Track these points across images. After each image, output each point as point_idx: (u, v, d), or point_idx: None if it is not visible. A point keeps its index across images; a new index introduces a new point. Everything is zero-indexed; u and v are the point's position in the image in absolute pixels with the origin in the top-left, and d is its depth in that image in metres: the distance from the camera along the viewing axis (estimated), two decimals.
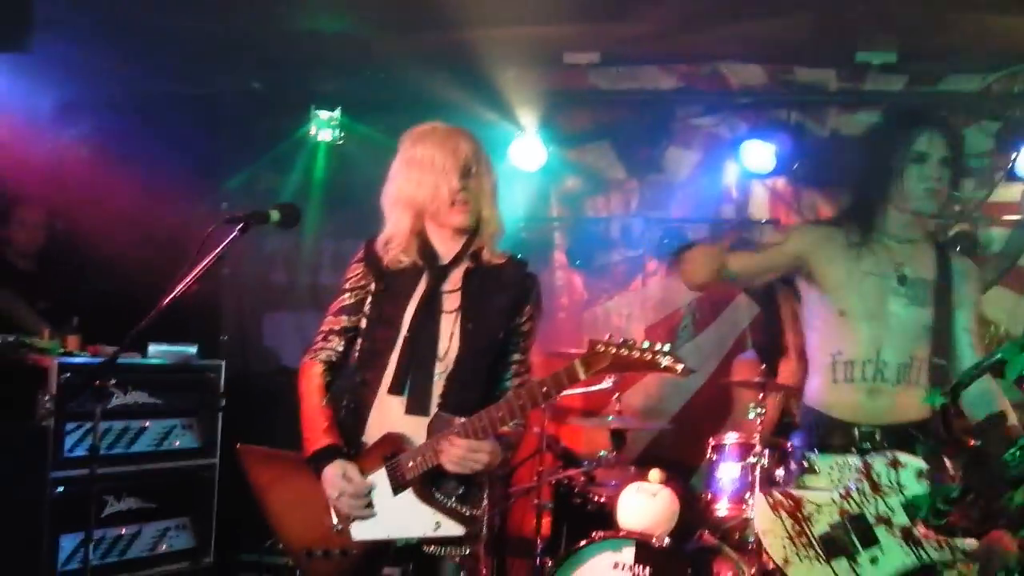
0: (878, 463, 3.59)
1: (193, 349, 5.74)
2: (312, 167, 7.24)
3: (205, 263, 3.42)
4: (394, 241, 3.37)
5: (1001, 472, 2.08)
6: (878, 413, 3.77)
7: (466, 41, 6.27)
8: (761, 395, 5.25)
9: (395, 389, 3.30)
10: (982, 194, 6.62)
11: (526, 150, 7.02)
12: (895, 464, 3.51)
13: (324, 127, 7.07)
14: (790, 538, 3.61)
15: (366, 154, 6.80)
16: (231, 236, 3.39)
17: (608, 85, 7.16)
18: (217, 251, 3.40)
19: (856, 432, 3.77)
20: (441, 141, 3.33)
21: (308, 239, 7.23)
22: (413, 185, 3.32)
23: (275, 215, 3.45)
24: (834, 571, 3.49)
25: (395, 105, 6.79)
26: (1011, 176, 6.36)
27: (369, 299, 3.43)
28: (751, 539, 5.05)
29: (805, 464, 3.81)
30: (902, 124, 4.00)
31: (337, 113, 7.06)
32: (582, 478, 5.97)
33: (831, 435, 3.83)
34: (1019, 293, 6.52)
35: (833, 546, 3.51)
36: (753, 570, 4.95)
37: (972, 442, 2.11)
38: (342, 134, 7.11)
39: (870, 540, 3.47)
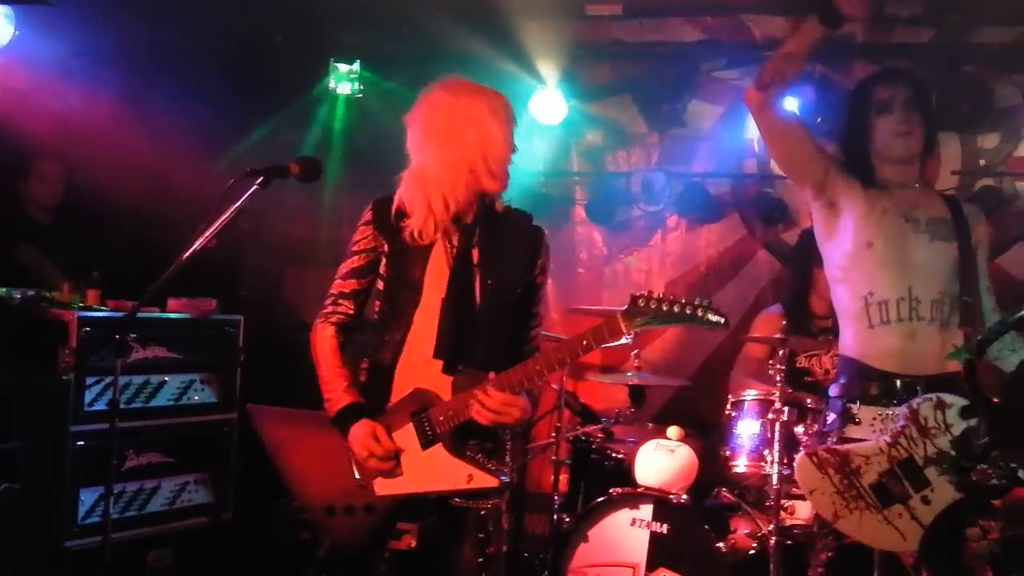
0: (924, 407, 3.54)
1: None
2: (332, 120, 7.22)
3: (225, 217, 3.42)
4: (417, 218, 3.30)
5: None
6: (919, 361, 3.71)
7: None
8: (782, 352, 5.21)
9: (440, 352, 3.27)
10: (1008, 148, 6.54)
11: (547, 103, 7.00)
12: (940, 406, 3.45)
13: (344, 80, 7.04)
14: (839, 493, 3.58)
15: (386, 107, 6.77)
16: (251, 190, 3.38)
17: (631, 37, 7.09)
18: (237, 205, 3.39)
19: (897, 383, 3.73)
20: (491, 103, 3.32)
21: (328, 193, 7.20)
22: (461, 146, 3.28)
23: (295, 168, 3.44)
24: (886, 519, 3.46)
25: (415, 58, 6.74)
26: None
27: (383, 260, 3.40)
28: (770, 496, 5.03)
29: (847, 415, 3.78)
30: (867, 81, 4.05)
31: (357, 66, 7.03)
32: (600, 435, 5.96)
33: (871, 385, 3.77)
34: None
35: (886, 494, 3.48)
36: (771, 527, 4.94)
37: (996, 400, 2.10)
38: (362, 87, 7.08)
39: (921, 483, 3.44)
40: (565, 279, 7.34)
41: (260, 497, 5.35)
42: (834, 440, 3.78)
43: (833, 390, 3.91)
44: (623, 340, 5.33)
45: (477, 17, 6.50)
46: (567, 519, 5.53)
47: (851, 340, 3.90)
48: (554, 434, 5.87)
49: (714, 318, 2.99)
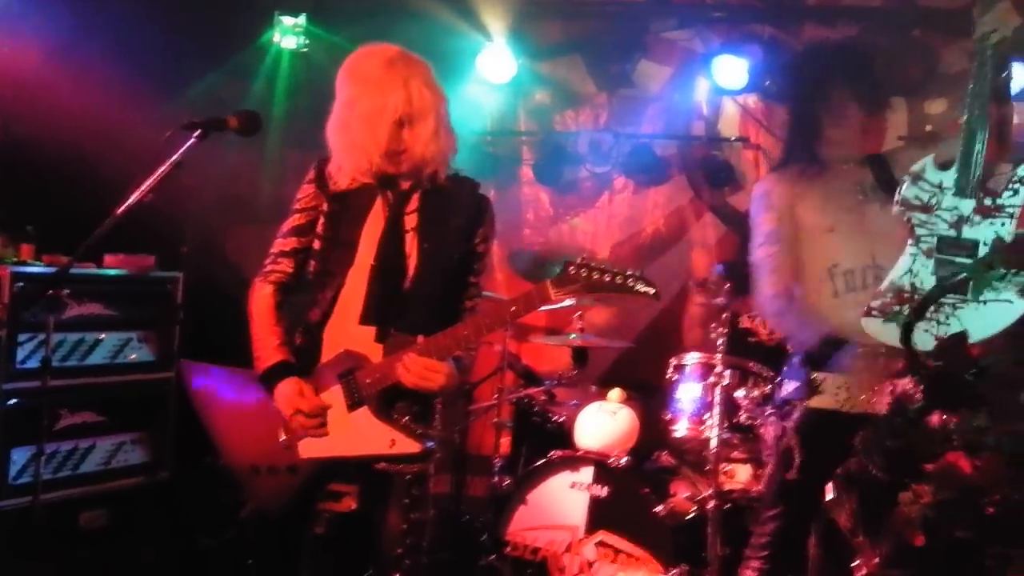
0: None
1: None
2: (276, 75, 7.10)
3: (161, 171, 3.32)
4: (346, 169, 3.30)
5: (960, 392, 2.05)
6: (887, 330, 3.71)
7: None
8: (725, 315, 5.21)
9: (367, 319, 3.25)
10: (954, 114, 6.55)
11: (495, 61, 6.92)
12: None
13: (288, 34, 6.92)
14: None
15: (332, 62, 6.63)
16: (188, 143, 3.30)
17: None
18: (173, 158, 3.29)
19: (857, 349, 3.71)
20: (374, 90, 3.21)
21: (272, 150, 7.09)
22: (348, 133, 3.25)
23: (233, 122, 3.36)
24: None
25: (362, 13, 6.64)
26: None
27: (321, 220, 3.37)
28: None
29: (812, 384, 3.78)
30: (810, 55, 4.22)
31: (302, 19, 6.91)
32: (542, 397, 5.95)
33: (835, 354, 3.75)
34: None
35: None
36: (710, 491, 4.95)
37: (932, 363, 2.10)
38: (307, 41, 6.96)
39: None
40: (510, 240, 7.30)
41: (198, 456, 5.30)
42: (797, 410, 3.79)
43: (796, 358, 3.91)
44: (566, 302, 5.36)
45: None
46: (507, 482, 5.52)
47: (805, 308, 3.88)
48: (496, 396, 5.84)
49: (643, 288, 2.98)
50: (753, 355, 5.33)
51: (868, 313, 3.38)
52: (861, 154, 3.97)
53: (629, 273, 2.98)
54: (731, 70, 6.64)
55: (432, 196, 3.33)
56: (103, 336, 5.37)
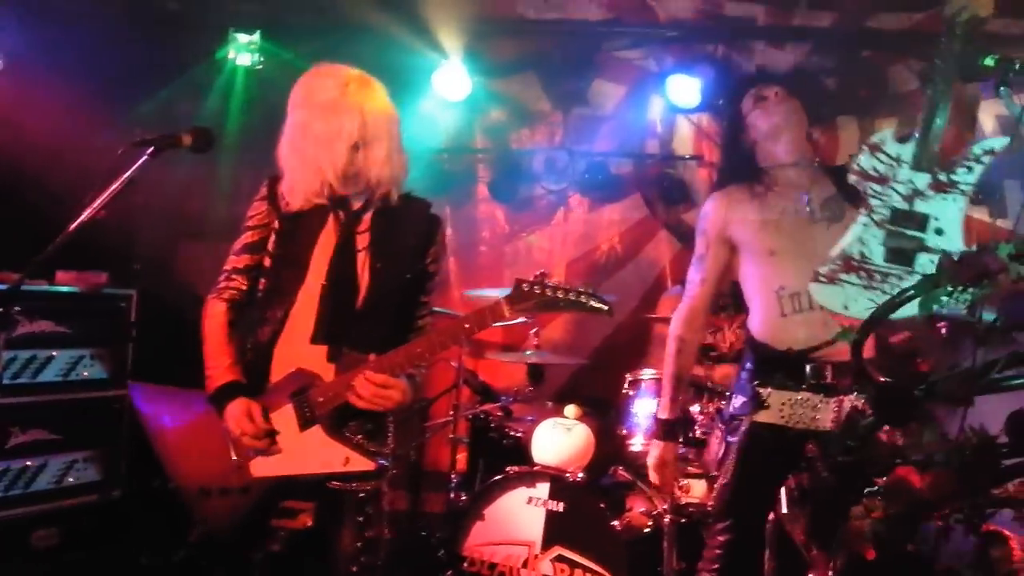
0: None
1: None
2: (230, 92, 7.07)
3: (114, 188, 3.30)
4: (298, 191, 3.29)
5: (909, 408, 2.08)
6: (830, 347, 3.73)
7: None
8: None
9: (318, 338, 3.24)
10: (905, 132, 6.65)
11: (450, 79, 6.94)
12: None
13: (243, 51, 6.90)
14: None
15: (286, 79, 6.62)
16: (141, 160, 3.29)
17: (535, 14, 7.04)
18: (126, 175, 3.28)
19: (807, 368, 3.77)
20: (330, 113, 3.22)
21: (226, 166, 7.06)
22: (302, 154, 3.25)
23: (187, 139, 3.34)
24: None
25: (317, 30, 6.63)
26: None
27: (272, 237, 3.36)
28: None
29: (757, 400, 3.81)
30: (737, 85, 4.13)
31: (256, 36, 6.89)
32: (499, 413, 5.96)
33: (779, 370, 3.80)
34: None
35: None
36: (666, 505, 4.98)
37: (881, 379, 2.14)
38: (261, 58, 6.94)
39: None
40: (466, 257, 7.32)
41: (151, 474, 5.25)
42: (744, 425, 3.81)
43: (744, 373, 3.94)
44: (522, 319, 5.37)
45: None
46: (464, 497, 5.51)
47: (760, 326, 3.91)
48: (452, 412, 5.84)
49: (597, 304, 3.04)
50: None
51: (816, 279, 3.43)
52: (807, 163, 3.97)
53: (581, 290, 3.03)
54: (684, 89, 6.71)
55: (384, 216, 3.34)
56: (55, 353, 5.31)
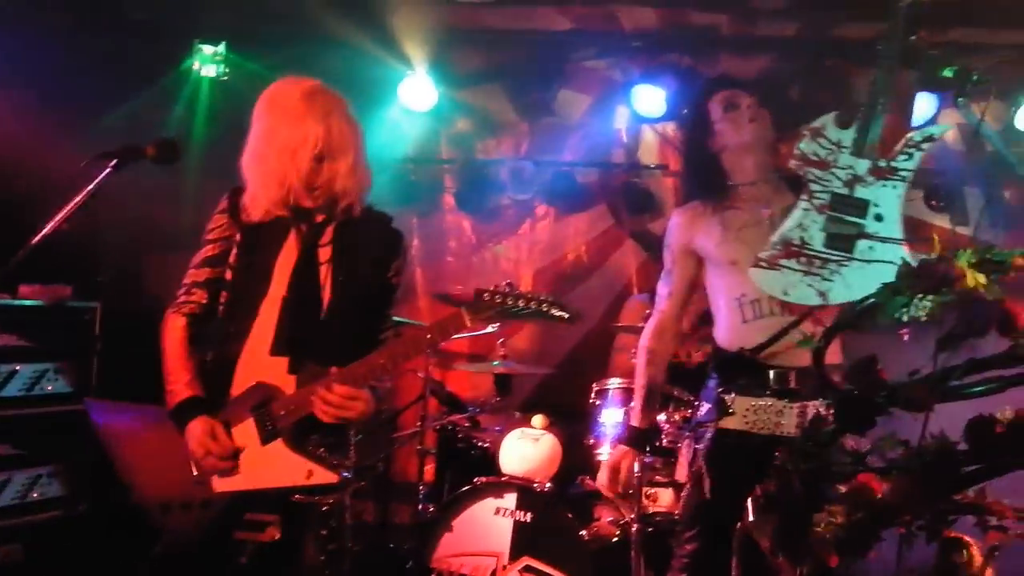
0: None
1: None
2: (196, 103, 7.05)
3: (77, 200, 3.28)
4: (261, 201, 3.28)
5: (870, 416, 2.10)
6: (792, 353, 3.70)
7: None
8: None
9: (278, 349, 3.22)
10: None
11: (416, 90, 6.95)
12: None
13: (208, 62, 6.88)
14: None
15: (252, 90, 6.60)
16: (104, 172, 3.27)
17: (501, 25, 7.05)
18: (89, 188, 3.26)
19: (770, 374, 3.78)
20: (294, 122, 3.22)
21: (192, 178, 7.03)
22: (265, 164, 3.24)
23: (150, 150, 3.33)
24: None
25: (283, 41, 6.62)
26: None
27: (234, 250, 3.35)
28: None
29: (722, 407, 3.82)
30: (704, 89, 4.07)
31: (222, 48, 6.87)
32: (466, 423, 5.96)
33: (742, 376, 3.80)
34: None
35: None
36: (633, 514, 4.99)
37: (843, 386, 2.15)
38: (227, 69, 6.93)
39: None
40: (433, 267, 7.32)
41: (116, 490, 5.22)
42: (710, 432, 3.83)
43: (710, 381, 3.95)
44: (489, 329, 5.38)
45: (347, 1, 6.41)
46: (432, 508, 5.51)
47: (725, 332, 3.91)
48: (420, 423, 5.84)
49: (558, 313, 3.06)
50: (678, 378, 5.38)
51: (756, 264, 3.45)
52: (767, 175, 3.92)
53: (543, 298, 3.05)
54: (650, 99, 6.74)
55: (347, 229, 3.33)
56: (18, 367, 5.27)
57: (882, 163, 3.32)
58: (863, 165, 3.31)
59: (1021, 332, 2.04)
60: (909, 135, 3.38)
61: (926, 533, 2.12)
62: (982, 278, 2.14)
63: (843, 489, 2.18)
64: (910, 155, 3.33)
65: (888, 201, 3.33)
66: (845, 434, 2.23)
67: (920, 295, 2.14)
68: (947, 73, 3.30)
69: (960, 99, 3.30)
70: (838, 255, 3.33)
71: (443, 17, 6.94)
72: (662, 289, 4.04)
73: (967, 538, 2.18)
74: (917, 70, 3.53)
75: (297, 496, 3.22)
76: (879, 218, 3.32)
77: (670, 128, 7.06)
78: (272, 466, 3.20)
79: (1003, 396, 2.05)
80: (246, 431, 3.23)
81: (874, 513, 2.15)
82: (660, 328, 4.02)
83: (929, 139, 3.35)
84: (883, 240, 3.29)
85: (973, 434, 2.05)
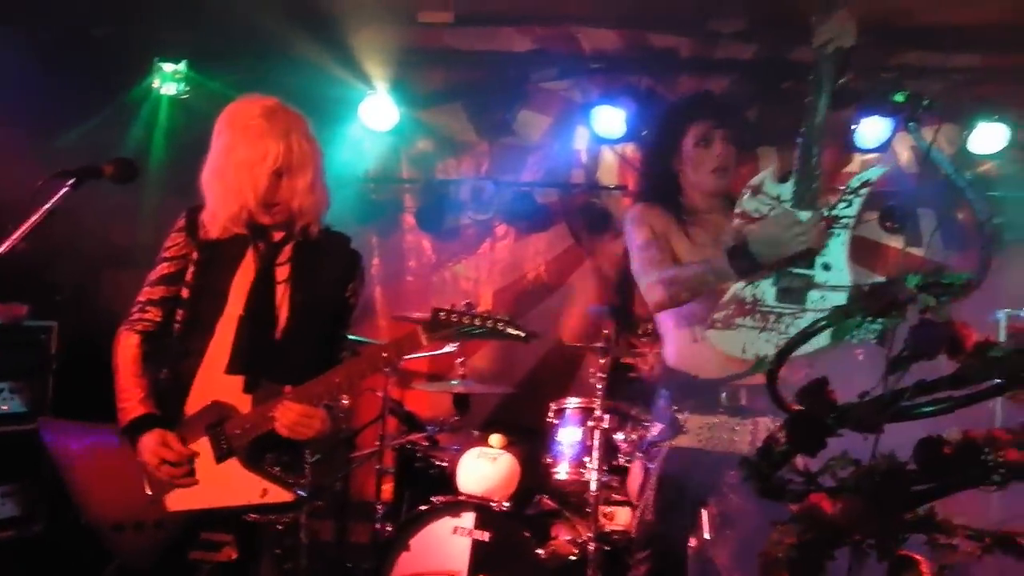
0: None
1: None
2: (155, 121, 7.02)
3: (34, 219, 3.27)
4: (219, 217, 3.29)
5: (821, 437, 2.13)
6: (727, 339, 3.76)
7: None
8: (604, 359, 5.30)
9: (234, 368, 3.23)
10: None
11: (377, 110, 6.95)
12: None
13: (168, 80, 6.84)
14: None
15: (212, 109, 6.58)
16: (62, 191, 3.26)
17: (462, 46, 7.06)
18: (47, 206, 3.26)
19: (723, 394, 3.80)
20: (254, 139, 3.22)
21: (151, 196, 6.99)
22: (224, 179, 3.24)
23: (108, 169, 3.32)
24: None
25: (243, 59, 6.61)
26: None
27: (191, 268, 3.35)
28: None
29: (675, 426, 3.84)
30: (683, 107, 4.08)
31: (182, 66, 6.85)
32: (425, 443, 5.96)
33: (695, 395, 3.83)
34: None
35: None
36: (591, 533, 5.01)
37: (794, 407, 2.18)
38: (187, 87, 6.90)
39: None
40: (393, 286, 7.32)
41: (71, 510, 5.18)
42: (663, 451, 3.85)
43: (662, 400, 3.96)
44: (448, 348, 5.39)
45: (308, 20, 6.41)
46: (389, 528, 5.50)
47: (675, 352, 3.94)
48: (378, 442, 5.83)
49: (513, 332, 3.09)
50: (634, 391, 5.42)
51: (712, 325, 3.48)
52: (723, 202, 3.96)
53: (499, 318, 3.07)
54: (609, 120, 6.78)
55: (305, 248, 3.35)
56: None
57: (824, 212, 3.36)
58: (805, 216, 3.34)
59: (969, 353, 2.08)
60: (848, 182, 3.42)
61: (877, 552, 2.15)
62: (931, 300, 2.18)
63: (795, 509, 2.21)
64: (849, 202, 3.36)
65: (834, 249, 3.35)
66: (796, 455, 2.25)
67: (870, 318, 2.18)
68: (898, 98, 3.33)
69: (911, 123, 3.33)
70: (791, 308, 3.36)
71: (405, 37, 6.95)
72: (646, 251, 3.84)
73: (917, 556, 2.21)
74: (852, 106, 3.55)
75: (252, 515, 3.22)
76: (827, 267, 3.35)
77: (629, 149, 7.10)
78: (227, 485, 3.20)
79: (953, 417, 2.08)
80: (201, 450, 3.22)
81: (825, 533, 2.17)
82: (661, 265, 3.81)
83: (867, 184, 3.39)
84: (833, 288, 3.32)
85: (922, 454, 2.08)
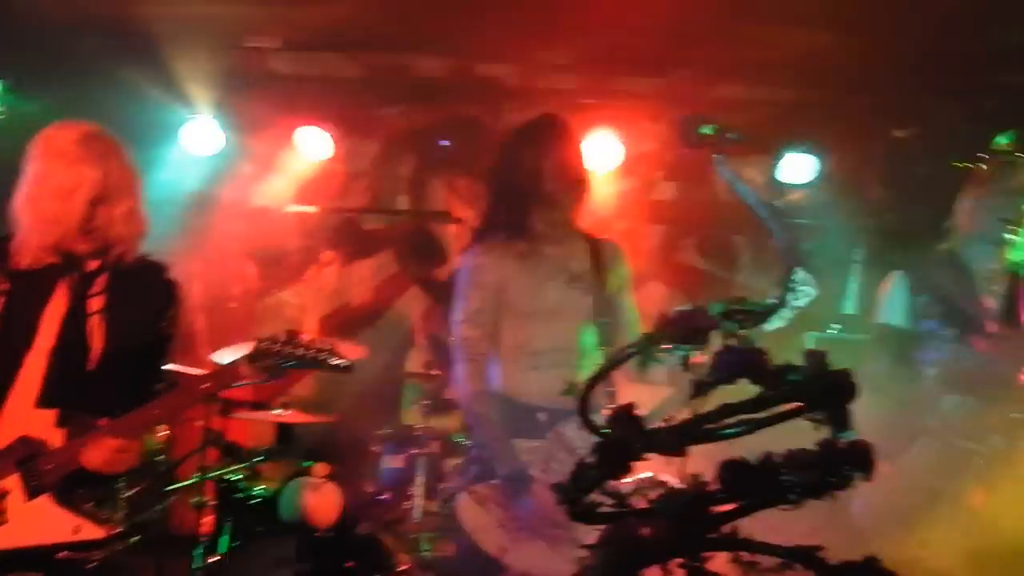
0: (568, 429, 3.73)
1: None
2: None
3: None
4: (31, 246, 3.21)
5: (629, 461, 2.19)
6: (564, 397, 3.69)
7: (142, 16, 5.99)
8: (428, 386, 5.33)
9: (46, 401, 3.14)
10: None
11: (200, 133, 6.83)
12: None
13: None
14: (503, 526, 3.67)
15: (27, 133, 6.37)
16: None
17: (288, 71, 7.01)
18: None
19: (544, 417, 3.84)
20: (70, 165, 3.16)
21: None
22: (38, 207, 3.17)
23: None
24: (552, 546, 3.57)
25: (63, 81, 6.41)
26: None
27: (1, 300, 3.24)
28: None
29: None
30: (532, 128, 4.12)
31: None
32: (247, 473, 5.85)
33: (518, 421, 3.85)
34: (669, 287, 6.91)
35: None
36: (413, 563, 5.01)
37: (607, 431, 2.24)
38: (3, 109, 6.67)
39: None
40: (217, 314, 7.18)
41: None
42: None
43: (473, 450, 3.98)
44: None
45: (132, 42, 6.26)
46: (209, 562, 5.38)
47: (500, 379, 3.96)
48: (198, 474, 5.70)
49: (335, 362, 3.13)
50: None
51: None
52: (568, 228, 4.04)
53: (320, 346, 3.06)
54: (436, 146, 6.82)
55: (119, 278, 3.29)
56: None
57: None
58: None
59: (771, 376, 2.16)
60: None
61: (685, 571, 2.22)
62: (734, 327, 2.27)
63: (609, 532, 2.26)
64: None
65: None
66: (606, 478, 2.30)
67: (675, 345, 2.26)
68: (705, 131, 3.43)
69: (716, 156, 3.43)
70: None
71: (229, 61, 6.87)
72: (472, 331, 3.94)
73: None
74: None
75: (64, 552, 3.12)
76: None
77: (457, 176, 7.15)
78: (37, 522, 3.10)
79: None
80: (10, 487, 3.11)
81: (635, 553, 2.23)
82: (482, 374, 3.94)
83: None
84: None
85: (726, 475, 2.16)
